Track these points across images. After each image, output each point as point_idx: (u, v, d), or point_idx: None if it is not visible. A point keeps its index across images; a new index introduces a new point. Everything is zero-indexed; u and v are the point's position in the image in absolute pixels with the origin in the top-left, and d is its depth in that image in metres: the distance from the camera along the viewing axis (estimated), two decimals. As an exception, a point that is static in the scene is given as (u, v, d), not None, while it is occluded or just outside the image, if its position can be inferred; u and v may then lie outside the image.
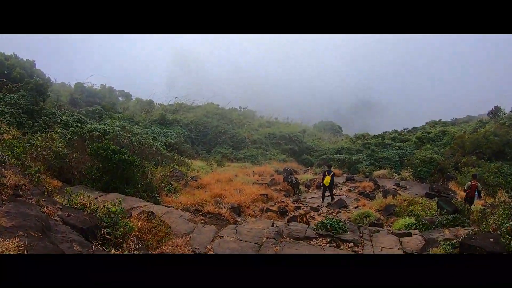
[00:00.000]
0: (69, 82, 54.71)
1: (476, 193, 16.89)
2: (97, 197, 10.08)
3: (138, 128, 31.75)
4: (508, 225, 7.42)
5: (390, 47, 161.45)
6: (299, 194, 21.55)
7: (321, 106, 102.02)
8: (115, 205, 7.85)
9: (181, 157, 26.81)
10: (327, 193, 20.47)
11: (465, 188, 17.58)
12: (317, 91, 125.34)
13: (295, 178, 22.98)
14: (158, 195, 14.01)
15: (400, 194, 19.89)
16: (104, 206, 7.83)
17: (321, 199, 20.19)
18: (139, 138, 25.54)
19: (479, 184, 17.40)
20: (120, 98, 56.68)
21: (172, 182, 17.26)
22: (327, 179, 20.00)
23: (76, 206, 7.76)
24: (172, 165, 21.41)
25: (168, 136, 34.19)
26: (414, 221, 13.74)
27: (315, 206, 18.68)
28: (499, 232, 7.66)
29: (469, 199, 16.84)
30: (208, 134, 40.54)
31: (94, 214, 7.49)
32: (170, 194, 15.36)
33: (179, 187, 17.26)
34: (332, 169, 21.68)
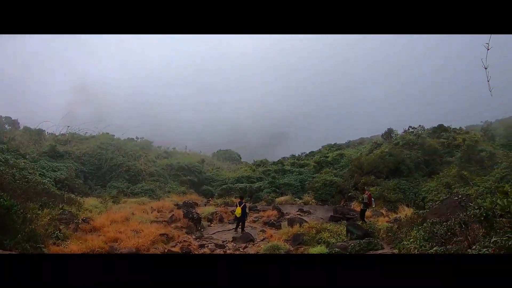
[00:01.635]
0: None
1: (373, 199, 21.36)
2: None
3: (24, 162, 29.00)
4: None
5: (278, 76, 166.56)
6: (202, 230, 20.88)
7: (219, 134, 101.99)
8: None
9: (73, 195, 24.74)
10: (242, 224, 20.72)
11: (363, 200, 20.78)
12: (215, 118, 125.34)
13: (196, 213, 22.25)
14: (43, 246, 12.49)
15: (306, 221, 20.22)
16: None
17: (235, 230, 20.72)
18: (24, 174, 23.21)
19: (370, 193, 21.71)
20: (6, 126, 52.05)
21: (61, 227, 15.60)
22: (238, 210, 20.36)
23: None
24: (61, 206, 19.59)
25: (58, 171, 31.51)
26: (326, 249, 13.64)
27: (220, 242, 18.34)
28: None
29: (364, 210, 20.61)
30: (102, 167, 37.82)
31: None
32: (58, 242, 13.81)
33: (68, 233, 15.60)
34: (244, 200, 22.04)
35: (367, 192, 21.62)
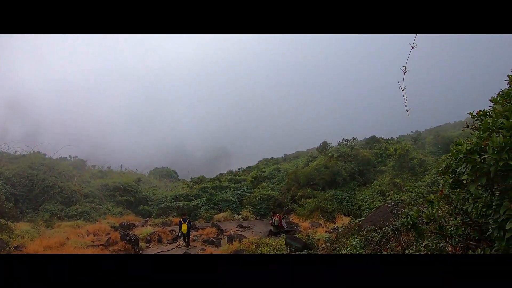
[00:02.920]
0: None
1: (283, 221, 22.37)
2: None
3: None
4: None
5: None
6: (140, 252, 20.39)
7: (154, 150, 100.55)
8: None
9: (3, 220, 23.50)
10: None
11: (274, 223, 21.84)
12: (150, 135, 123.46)
13: (134, 234, 21.74)
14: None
15: (246, 237, 20.36)
16: None
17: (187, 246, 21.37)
18: None
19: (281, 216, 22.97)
20: None
21: (-10, 256, 14.85)
22: (184, 227, 20.97)
23: None
24: (-10, 232, 18.66)
25: (-15, 194, 30.03)
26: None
27: (160, 263, 17.91)
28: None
29: (277, 232, 21.57)
30: (34, 189, 36.00)
31: None
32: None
33: (-1, 262, 14.88)
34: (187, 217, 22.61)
35: (277, 215, 22.65)
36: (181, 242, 21.90)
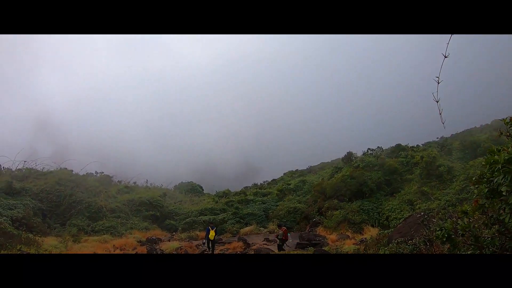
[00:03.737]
0: None
1: (289, 234, 22.28)
2: None
3: (-21, 200, 27.92)
4: None
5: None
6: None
7: (178, 165, 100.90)
8: None
9: (31, 235, 23.85)
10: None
11: (279, 236, 21.38)
12: (174, 149, 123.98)
13: (160, 249, 21.78)
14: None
15: (273, 251, 20.41)
16: None
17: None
18: (-22, 214, 22.31)
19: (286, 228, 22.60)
20: (-42, 160, 49.83)
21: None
22: (212, 233, 21.19)
23: None
24: (19, 247, 18.86)
25: (15, 209, 30.29)
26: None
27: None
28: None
29: (281, 245, 21.15)
30: (61, 204, 36.34)
31: None
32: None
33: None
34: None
35: (282, 228, 22.30)
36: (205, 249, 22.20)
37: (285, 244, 21.59)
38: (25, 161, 47.14)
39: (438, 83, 4.34)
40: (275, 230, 30.54)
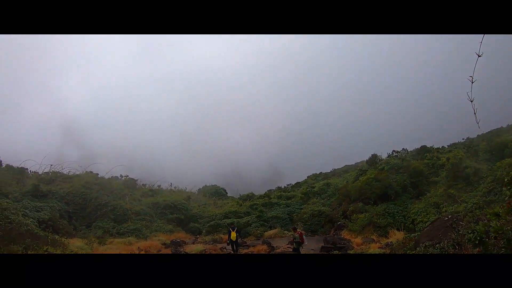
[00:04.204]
0: None
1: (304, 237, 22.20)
2: None
3: (7, 202, 28.25)
4: None
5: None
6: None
7: (202, 169, 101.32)
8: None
9: (57, 236, 24.15)
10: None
11: (295, 239, 21.23)
12: (201, 153, 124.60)
13: (184, 251, 21.88)
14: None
15: None
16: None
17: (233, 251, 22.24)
18: (6, 215, 22.57)
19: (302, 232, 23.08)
20: (-14, 165, 50.71)
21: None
22: (233, 234, 21.71)
23: None
24: (45, 248, 19.07)
25: (41, 211, 30.70)
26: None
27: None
28: None
29: (297, 248, 21.15)
30: (87, 207, 36.89)
31: None
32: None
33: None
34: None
35: (298, 231, 22.29)
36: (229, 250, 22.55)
37: (301, 247, 21.51)
38: (51, 165, 48.00)
39: (472, 82, 4.22)
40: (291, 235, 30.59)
